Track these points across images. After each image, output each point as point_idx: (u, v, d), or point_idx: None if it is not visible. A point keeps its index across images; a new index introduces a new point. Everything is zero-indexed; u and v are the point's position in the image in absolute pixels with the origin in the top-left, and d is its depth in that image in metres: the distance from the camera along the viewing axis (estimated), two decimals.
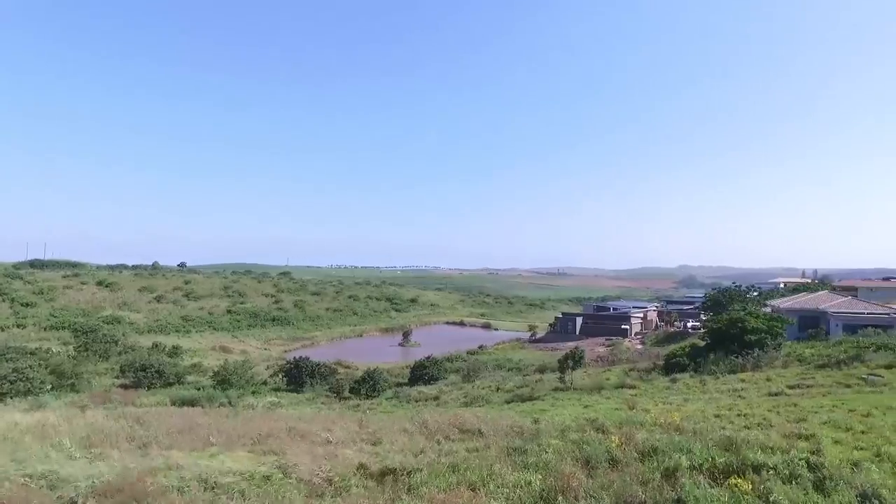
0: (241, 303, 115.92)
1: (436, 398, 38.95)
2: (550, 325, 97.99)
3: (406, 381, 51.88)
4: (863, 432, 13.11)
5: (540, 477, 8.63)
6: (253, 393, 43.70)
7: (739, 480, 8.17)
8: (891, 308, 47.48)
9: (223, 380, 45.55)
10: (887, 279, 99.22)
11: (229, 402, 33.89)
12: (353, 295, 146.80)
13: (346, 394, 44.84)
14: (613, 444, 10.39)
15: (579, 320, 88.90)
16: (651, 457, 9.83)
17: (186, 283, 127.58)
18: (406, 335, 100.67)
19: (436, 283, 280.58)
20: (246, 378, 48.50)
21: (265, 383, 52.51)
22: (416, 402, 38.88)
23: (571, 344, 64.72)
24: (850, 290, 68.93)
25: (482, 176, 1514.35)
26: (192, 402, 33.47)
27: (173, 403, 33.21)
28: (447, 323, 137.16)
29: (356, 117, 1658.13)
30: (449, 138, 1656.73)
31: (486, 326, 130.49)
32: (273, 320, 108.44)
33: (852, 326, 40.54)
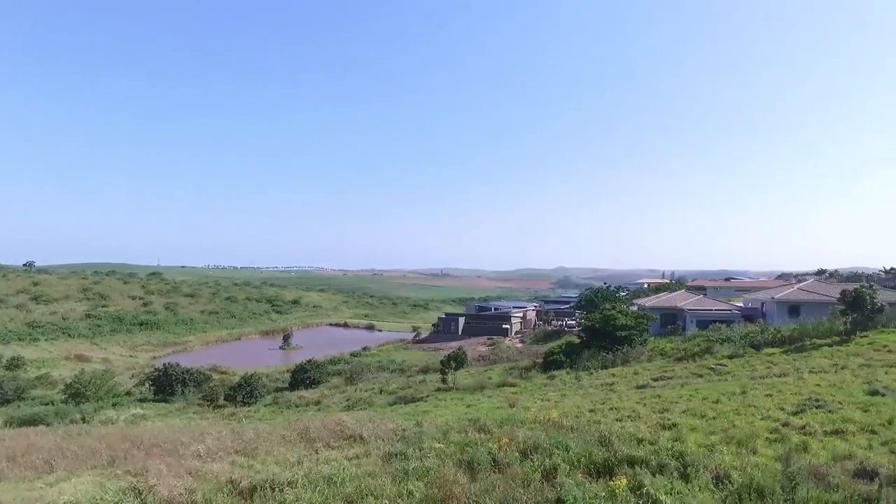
0: (104, 306, 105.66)
1: (317, 403, 37.90)
2: (434, 325, 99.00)
3: (287, 385, 49.95)
4: (714, 418, 14.34)
5: (422, 485, 8.42)
6: (114, 405, 39.88)
7: (616, 475, 8.50)
8: (733, 305, 53.19)
9: (77, 392, 41.15)
10: (728, 279, 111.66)
11: (83, 418, 30.60)
12: (231, 296, 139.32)
13: (222, 402, 42.30)
14: (495, 446, 10.43)
15: (462, 320, 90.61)
16: (532, 456, 9.99)
17: (35, 284, 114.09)
18: (287, 338, 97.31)
19: (319, 283, 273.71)
20: (105, 389, 44.18)
21: (129, 394, 48.20)
22: (297, 407, 37.55)
23: (454, 344, 65.75)
24: (701, 290, 76.48)
25: (367, 178, 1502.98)
26: (32, 422, 29.76)
27: (7, 424, 29.27)
28: (331, 325, 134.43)
29: (243, 119, 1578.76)
30: (331, 142, 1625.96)
31: (370, 328, 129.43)
32: (141, 325, 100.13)
33: (704, 322, 44.83)
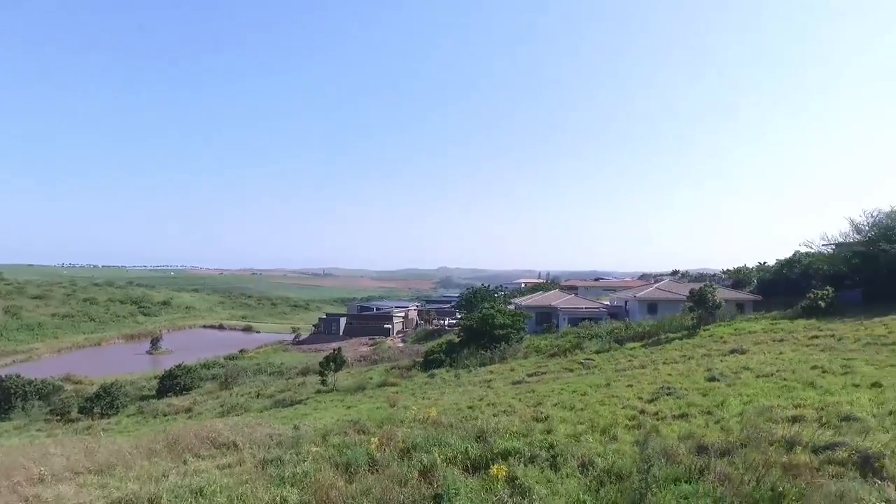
0: None
1: (189, 410, 35.81)
2: (314, 326, 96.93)
3: (154, 393, 46.45)
4: (581, 409, 15.38)
5: (297, 491, 8.25)
6: None
7: (492, 468, 8.85)
8: (600, 303, 57.28)
9: None
10: (597, 279, 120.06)
11: None
12: (90, 298, 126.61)
13: (76, 415, 38.43)
14: (373, 446, 10.45)
15: (343, 321, 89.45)
16: (410, 454, 10.12)
17: None
18: (155, 342, 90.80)
19: (193, 283, 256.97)
20: None
21: None
22: (166, 416, 35.22)
23: (336, 345, 64.73)
24: (573, 289, 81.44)
25: (247, 173, 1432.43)
26: None
27: None
28: (205, 327, 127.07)
29: (106, 100, 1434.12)
30: (201, 136, 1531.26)
31: (248, 329, 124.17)
32: None
33: (575, 320, 47.82)
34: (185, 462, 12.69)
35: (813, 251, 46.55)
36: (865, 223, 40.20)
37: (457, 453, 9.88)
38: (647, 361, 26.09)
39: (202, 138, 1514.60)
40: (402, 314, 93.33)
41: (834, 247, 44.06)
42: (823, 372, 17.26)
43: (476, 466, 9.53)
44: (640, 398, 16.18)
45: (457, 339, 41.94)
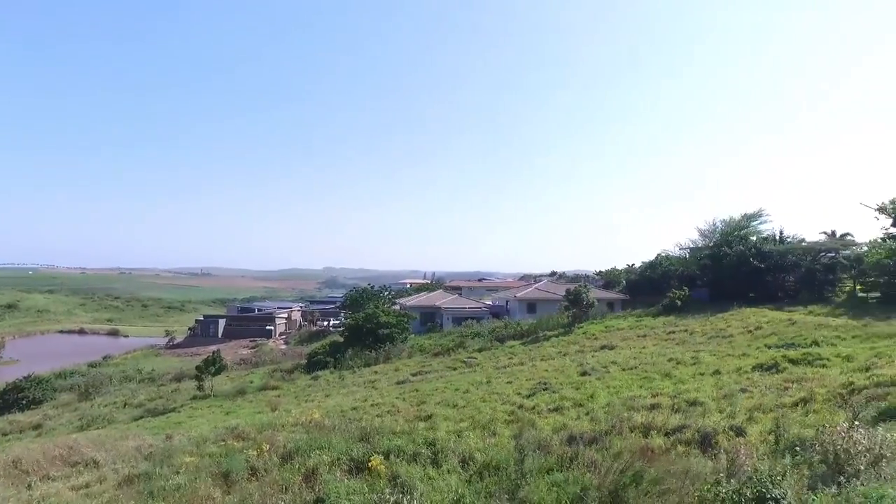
0: None
1: (37, 427, 32.19)
2: (190, 328, 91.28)
3: None
4: (463, 406, 15.87)
5: None
6: None
7: (374, 467, 8.91)
8: (483, 303, 59.17)
9: None
10: (481, 280, 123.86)
11: None
12: None
13: None
14: (253, 453, 10.12)
15: (222, 322, 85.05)
16: (293, 459, 9.93)
17: None
18: None
19: (47, 283, 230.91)
20: None
21: None
22: (6, 436, 31.43)
23: (214, 348, 61.44)
24: (457, 289, 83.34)
25: (108, 164, 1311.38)
26: None
27: None
28: (62, 332, 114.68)
29: None
30: (60, 120, 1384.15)
31: (114, 333, 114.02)
32: None
33: (458, 319, 48.98)
34: (29, 486, 11.48)
35: (671, 255, 51.51)
36: (710, 231, 45.45)
37: (340, 455, 9.83)
38: (525, 358, 27.38)
39: (61, 122, 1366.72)
40: (285, 315, 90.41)
41: (688, 251, 49.08)
42: (677, 363, 19.13)
43: (360, 468, 9.55)
44: (518, 394, 16.99)
45: (341, 340, 41.41)
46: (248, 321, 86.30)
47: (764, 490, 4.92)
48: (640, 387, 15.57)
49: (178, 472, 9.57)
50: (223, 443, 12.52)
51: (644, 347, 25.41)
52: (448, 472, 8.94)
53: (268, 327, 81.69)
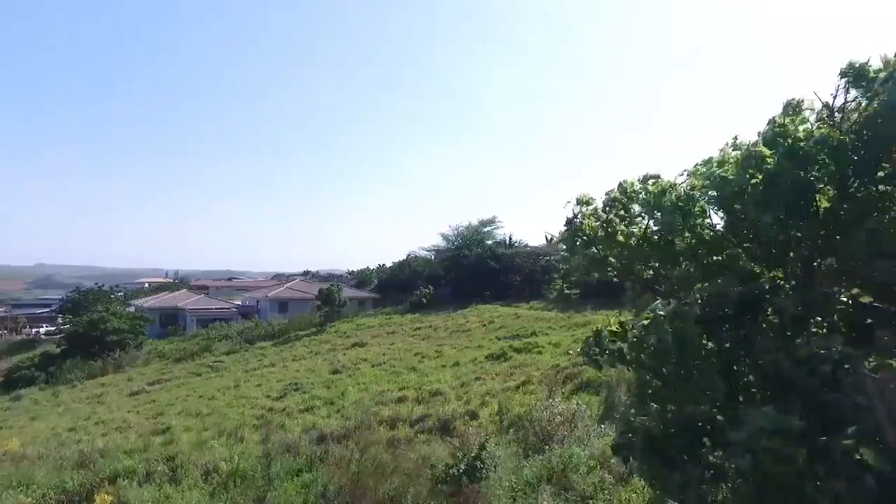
0: None
1: None
2: None
3: None
4: (208, 414, 14.87)
5: None
6: None
7: (95, 498, 7.86)
8: (232, 303, 55.87)
9: None
10: (231, 279, 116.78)
11: None
12: None
13: None
14: None
15: None
16: None
17: None
18: None
19: None
20: None
21: None
22: None
23: None
24: (204, 289, 77.17)
25: None
26: None
27: None
28: None
29: None
30: None
31: None
32: None
33: (204, 321, 45.36)
34: None
35: (419, 255, 55.11)
36: (451, 235, 49.98)
37: (47, 491, 8.45)
38: (277, 360, 26.67)
39: None
40: None
41: (434, 253, 53.08)
42: (423, 357, 20.60)
43: (79, 500, 8.35)
44: (268, 396, 16.52)
45: (58, 350, 35.12)
46: None
47: (481, 462, 5.69)
48: (389, 381, 16.40)
49: None
50: None
51: (393, 344, 26.72)
52: (189, 487, 8.35)
53: None
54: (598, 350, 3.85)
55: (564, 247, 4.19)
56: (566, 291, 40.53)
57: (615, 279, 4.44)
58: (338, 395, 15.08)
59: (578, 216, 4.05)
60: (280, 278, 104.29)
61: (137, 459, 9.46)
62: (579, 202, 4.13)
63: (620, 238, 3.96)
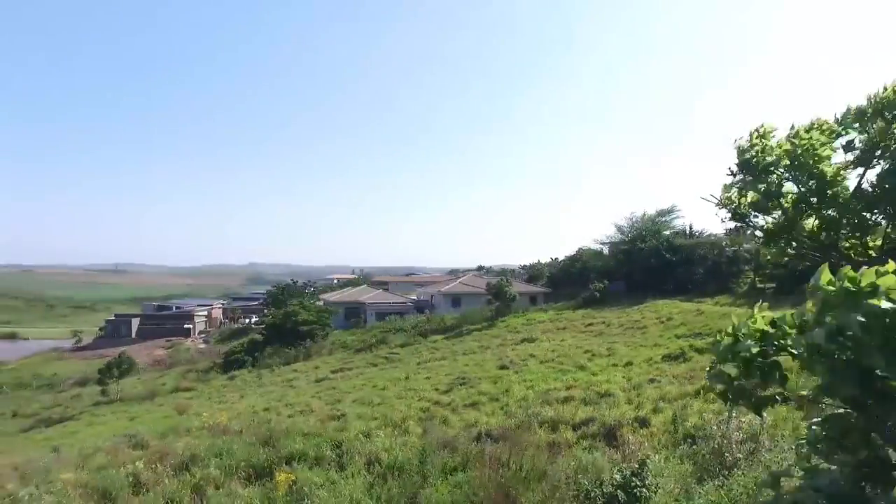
0: None
1: None
2: (100, 329, 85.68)
3: None
4: (379, 404, 15.48)
5: None
6: None
7: (276, 475, 8.39)
8: (408, 298, 58.80)
9: None
10: (408, 275, 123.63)
11: None
12: None
13: None
14: (141, 464, 9.34)
15: (135, 322, 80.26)
16: (189, 469, 9.25)
17: None
18: None
19: None
20: None
21: None
22: None
23: (125, 349, 57.96)
24: (384, 284, 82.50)
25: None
26: None
27: None
28: None
29: None
30: None
31: (11, 337, 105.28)
32: None
33: (382, 314, 48.34)
34: None
35: (591, 249, 53.12)
36: (626, 226, 47.19)
37: (239, 463, 9.24)
38: (447, 353, 27.29)
39: None
40: (205, 313, 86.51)
41: (607, 246, 50.73)
42: (593, 355, 19.54)
43: (261, 474, 9.01)
44: (436, 389, 16.78)
45: (260, 338, 39.96)
46: (164, 320, 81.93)
47: (641, 481, 4.87)
48: (556, 380, 15.73)
49: (49, 493, 8.61)
50: (115, 454, 11.60)
51: (563, 340, 25.88)
52: (352, 475, 8.55)
53: (186, 326, 77.86)
54: (737, 366, 2.28)
55: (738, 177, 3.19)
56: (759, 285, 36.12)
57: (804, 251, 3.29)
58: (503, 391, 14.78)
59: (755, 150, 3.07)
60: (454, 274, 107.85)
61: (310, 443, 9.99)
62: (757, 135, 3.15)
63: (823, 167, 2.82)
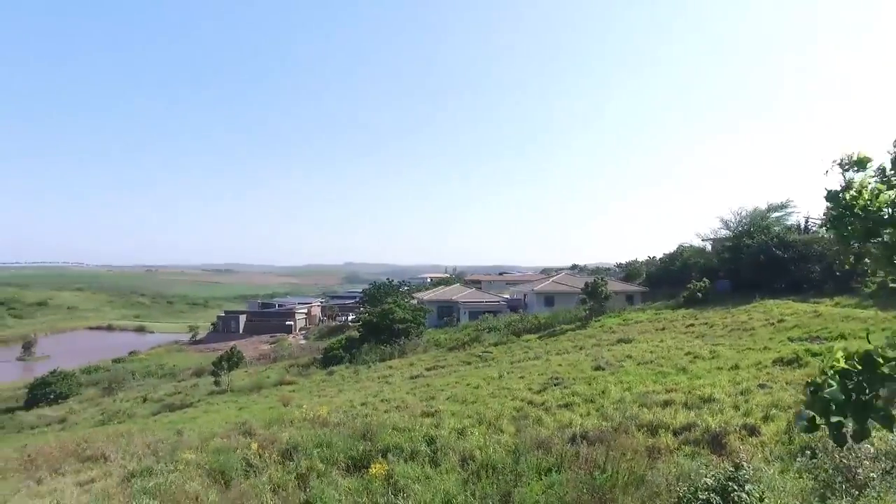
0: None
1: (63, 420, 33.01)
2: (213, 324, 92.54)
3: (21, 404, 42.19)
4: (472, 402, 15.53)
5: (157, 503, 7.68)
6: None
7: (372, 467, 8.67)
8: (500, 297, 58.68)
9: None
10: (501, 274, 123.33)
11: None
12: None
13: None
14: (252, 450, 9.97)
15: (243, 318, 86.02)
16: (292, 457, 9.77)
17: None
18: (28, 346, 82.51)
19: (76, 281, 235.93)
20: None
21: None
22: (33, 429, 32.10)
23: (234, 343, 62.16)
24: (476, 283, 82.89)
25: (129, 162, 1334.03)
26: None
27: None
28: (91, 328, 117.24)
29: None
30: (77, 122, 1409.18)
31: (141, 330, 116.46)
32: None
33: (475, 313, 48.63)
34: (39, 481, 11.51)
35: (693, 246, 50.43)
36: (733, 221, 44.17)
37: (339, 454, 9.63)
38: (541, 353, 26.94)
39: (78, 124, 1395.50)
40: (305, 310, 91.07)
41: (710, 242, 47.96)
42: (695, 357, 18.54)
43: (358, 466, 9.34)
44: (529, 389, 16.60)
45: (357, 335, 41.41)
46: (268, 317, 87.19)
47: (738, 487, 4.51)
48: (654, 382, 15.08)
49: (176, 469, 9.46)
50: (228, 439, 12.45)
51: (662, 341, 24.76)
52: (446, 471, 8.65)
53: (287, 322, 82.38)
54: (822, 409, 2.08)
55: (832, 234, 2.72)
56: (892, 285, 32.78)
57: None
58: (599, 392, 14.36)
59: (848, 186, 2.57)
60: (547, 273, 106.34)
61: (405, 438, 10.22)
62: (849, 164, 2.62)
63: None
